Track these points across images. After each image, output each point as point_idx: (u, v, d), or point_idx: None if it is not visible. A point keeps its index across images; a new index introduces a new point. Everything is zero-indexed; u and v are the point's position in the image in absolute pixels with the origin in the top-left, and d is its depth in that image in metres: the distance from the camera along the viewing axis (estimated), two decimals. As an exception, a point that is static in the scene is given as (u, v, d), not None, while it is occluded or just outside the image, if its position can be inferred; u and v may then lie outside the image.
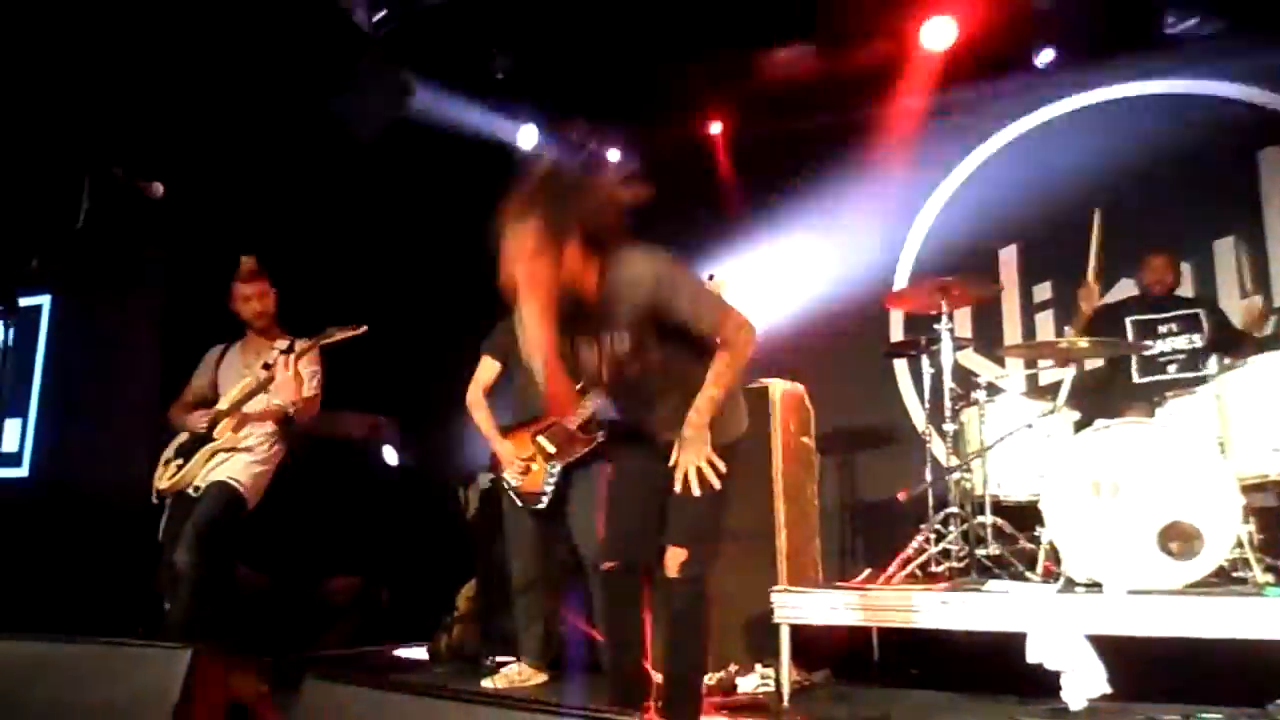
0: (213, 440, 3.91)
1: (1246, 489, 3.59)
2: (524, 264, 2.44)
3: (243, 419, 3.93)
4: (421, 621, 5.31)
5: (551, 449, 4.07)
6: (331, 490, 5.87)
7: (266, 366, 3.91)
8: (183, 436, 4.02)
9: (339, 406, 6.03)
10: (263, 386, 3.88)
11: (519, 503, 4.19)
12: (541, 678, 4.19)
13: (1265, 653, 3.16)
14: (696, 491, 2.55)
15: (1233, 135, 5.33)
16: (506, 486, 4.22)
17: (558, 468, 4.06)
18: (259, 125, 5.65)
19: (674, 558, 2.65)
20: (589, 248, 2.49)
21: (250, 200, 5.72)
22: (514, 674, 4.17)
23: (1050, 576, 3.73)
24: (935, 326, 4.46)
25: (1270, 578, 3.46)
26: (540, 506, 4.10)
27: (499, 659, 4.41)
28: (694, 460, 2.57)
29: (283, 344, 3.94)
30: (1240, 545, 3.49)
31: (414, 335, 6.05)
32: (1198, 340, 4.56)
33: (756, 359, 5.37)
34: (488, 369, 4.29)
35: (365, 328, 3.78)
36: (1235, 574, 3.57)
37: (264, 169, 5.83)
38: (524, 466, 4.13)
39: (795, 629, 3.81)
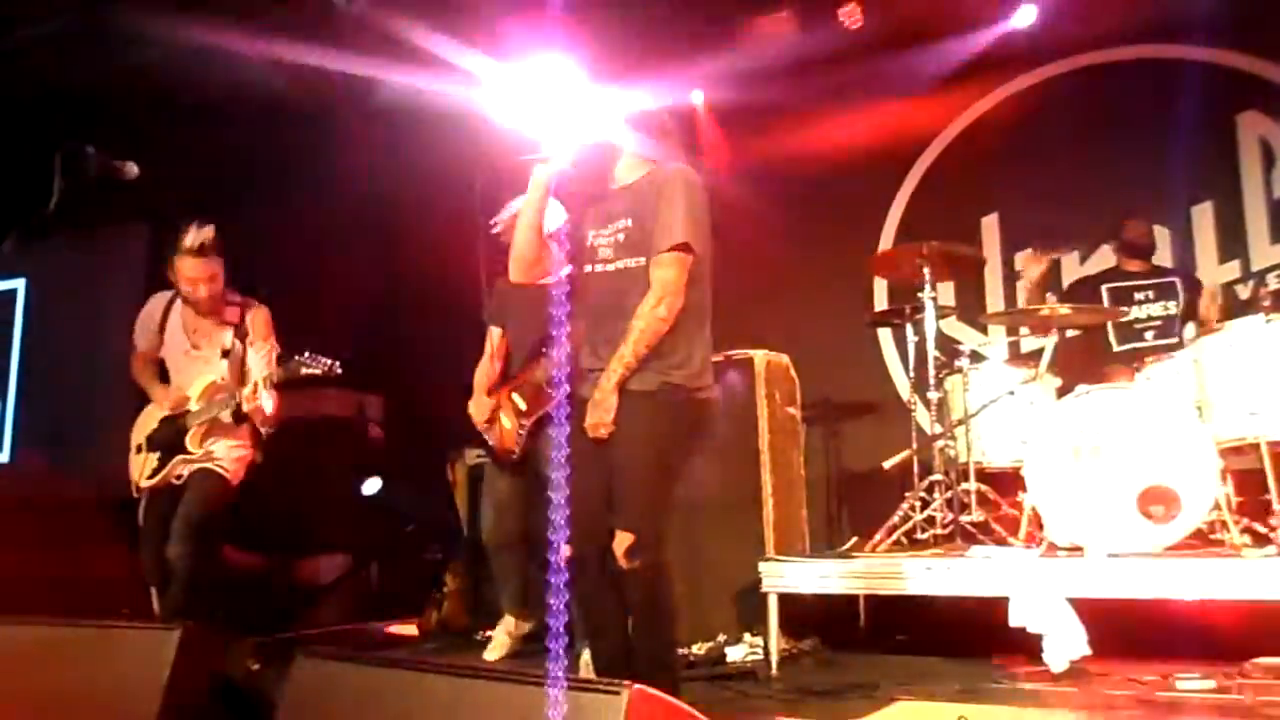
0: (188, 453, 3.83)
1: (1224, 452, 3.63)
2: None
3: (210, 428, 3.86)
4: (411, 598, 5.33)
5: (522, 405, 4.01)
6: (317, 469, 5.86)
7: (225, 354, 3.87)
8: (150, 424, 3.96)
9: (323, 385, 6.03)
10: (222, 397, 3.82)
11: (493, 460, 4.20)
12: (527, 625, 4.21)
13: (1241, 613, 3.21)
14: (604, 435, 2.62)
15: (1211, 100, 5.33)
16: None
17: (527, 423, 3.99)
18: (237, 96, 5.59)
19: (620, 543, 2.58)
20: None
21: (231, 177, 5.67)
22: (504, 633, 4.21)
23: (1032, 541, 3.77)
24: (919, 295, 4.48)
25: (1247, 539, 3.51)
26: (514, 460, 4.05)
27: (490, 633, 4.42)
28: (598, 429, 2.61)
29: (233, 315, 3.90)
30: (1218, 508, 3.53)
31: (400, 309, 6.03)
32: (1172, 308, 4.60)
33: (742, 329, 5.40)
34: (493, 337, 4.24)
35: (339, 370, 3.69)
36: (1213, 536, 3.62)
37: (244, 143, 5.77)
38: (486, 423, 4.08)
39: (783, 598, 3.85)
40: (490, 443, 4.13)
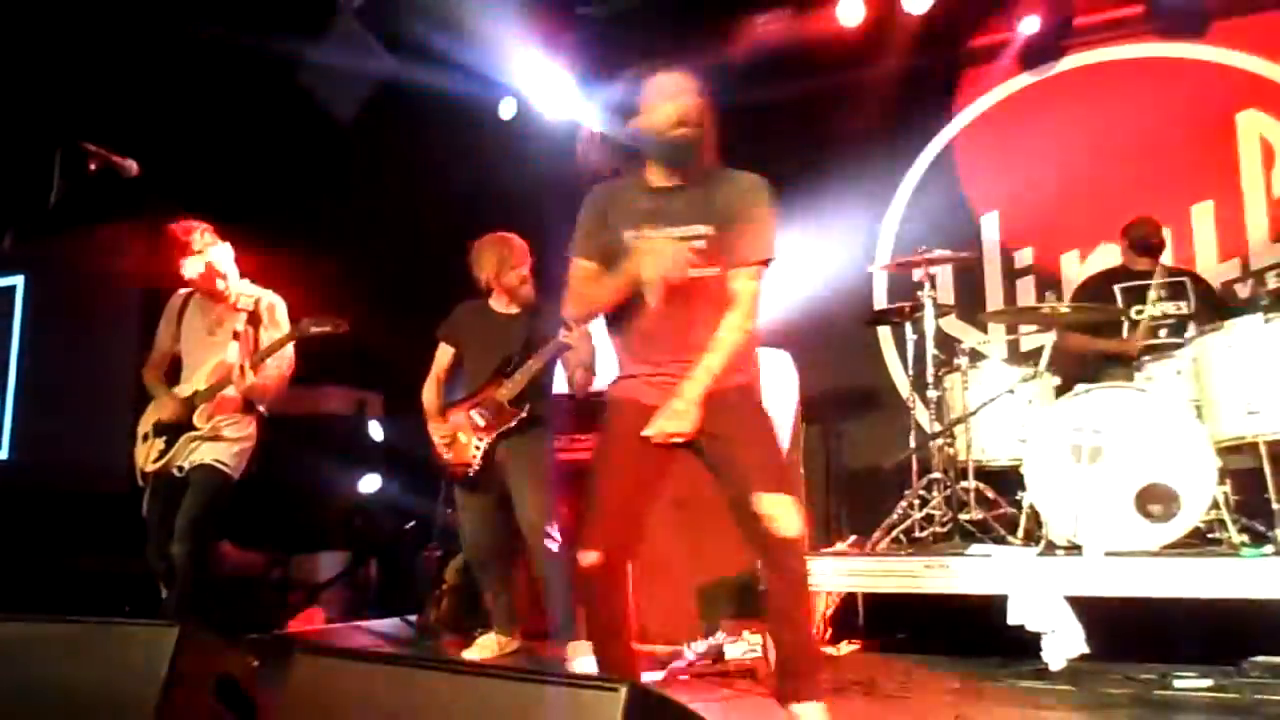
0: (194, 429, 3.90)
1: (1223, 451, 3.64)
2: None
3: (217, 405, 3.93)
4: (411, 595, 5.34)
5: (480, 421, 4.12)
6: (317, 466, 5.86)
7: (236, 336, 3.95)
8: (160, 412, 4.01)
9: (323, 382, 6.03)
10: (229, 376, 3.88)
11: (451, 478, 4.29)
12: (513, 645, 4.30)
13: (1239, 612, 3.21)
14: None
15: (1210, 99, 5.34)
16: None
17: (485, 440, 4.10)
18: (237, 97, 5.60)
19: (785, 510, 2.57)
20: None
21: (230, 175, 5.68)
22: (487, 644, 4.29)
23: (1031, 540, 3.77)
24: (918, 293, 4.48)
25: (1245, 538, 3.51)
26: (471, 476, 4.14)
27: (482, 631, 4.45)
28: (676, 436, 2.56)
29: (247, 301, 4.02)
30: (1216, 506, 3.53)
31: (400, 310, 6.02)
32: (1184, 307, 4.58)
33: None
34: (443, 355, 4.32)
35: (346, 326, 3.81)
36: (1211, 535, 3.62)
37: (245, 143, 5.77)
38: (447, 441, 4.17)
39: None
40: (447, 458, 4.19)
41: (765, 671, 3.70)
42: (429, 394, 4.29)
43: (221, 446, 3.91)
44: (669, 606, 4.26)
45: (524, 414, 4.08)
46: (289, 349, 4.01)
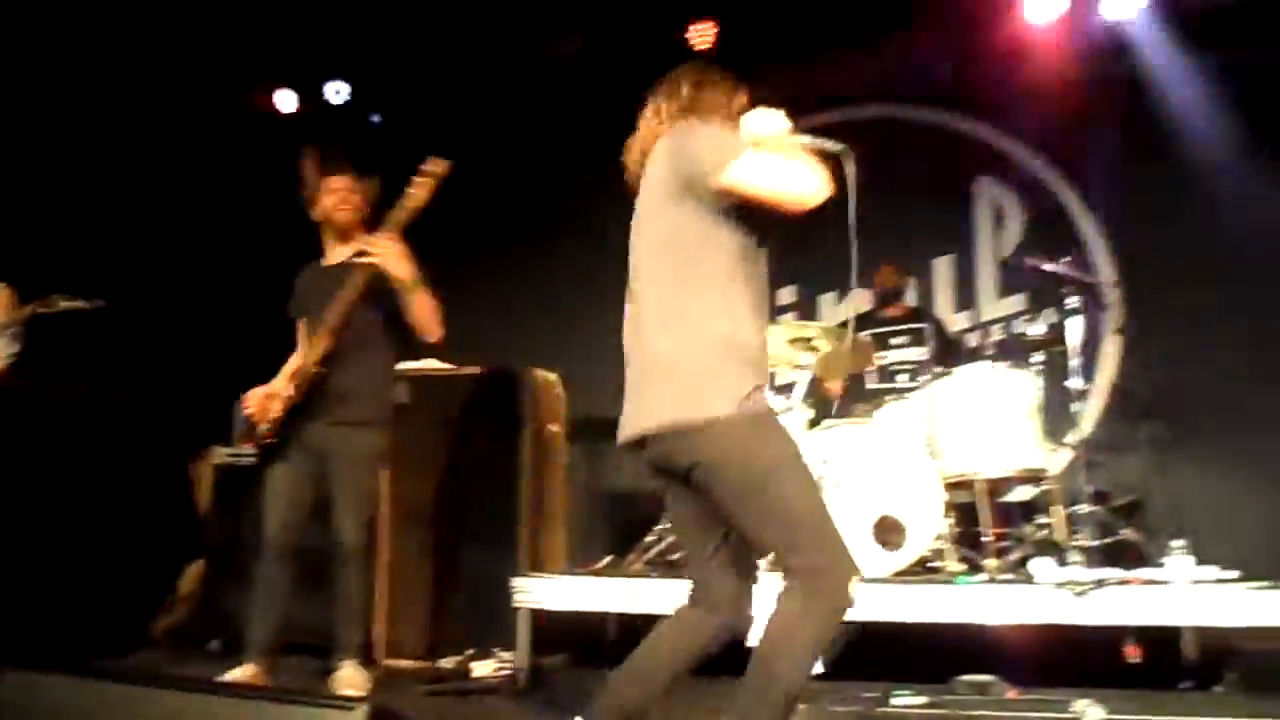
0: None
1: (950, 486, 3.98)
2: None
3: None
4: (139, 604, 4.96)
5: (292, 391, 3.54)
6: (46, 464, 5.37)
7: None
8: None
9: (61, 373, 5.54)
10: None
11: (265, 458, 3.61)
12: (266, 679, 3.40)
13: (953, 634, 3.51)
14: None
15: (955, 162, 5.86)
16: None
17: (289, 397, 3.51)
18: None
19: None
20: None
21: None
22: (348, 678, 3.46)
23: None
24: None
25: (963, 567, 3.84)
26: (272, 443, 3.53)
27: (221, 643, 4.15)
28: None
29: None
30: (940, 537, 3.85)
31: (151, 302, 5.64)
32: (922, 353, 4.98)
33: (510, 344, 5.38)
34: (302, 330, 3.72)
35: (102, 303, 3.53)
36: (932, 564, 3.94)
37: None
38: (258, 410, 3.56)
39: (535, 614, 3.86)
40: (248, 411, 3.59)
41: (513, 689, 3.70)
42: (288, 369, 3.65)
43: None
44: (418, 623, 4.19)
45: (325, 371, 3.46)
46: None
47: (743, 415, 2.23)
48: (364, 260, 3.43)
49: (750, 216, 2.37)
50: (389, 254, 3.38)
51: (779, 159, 2.29)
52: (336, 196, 3.61)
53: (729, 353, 2.29)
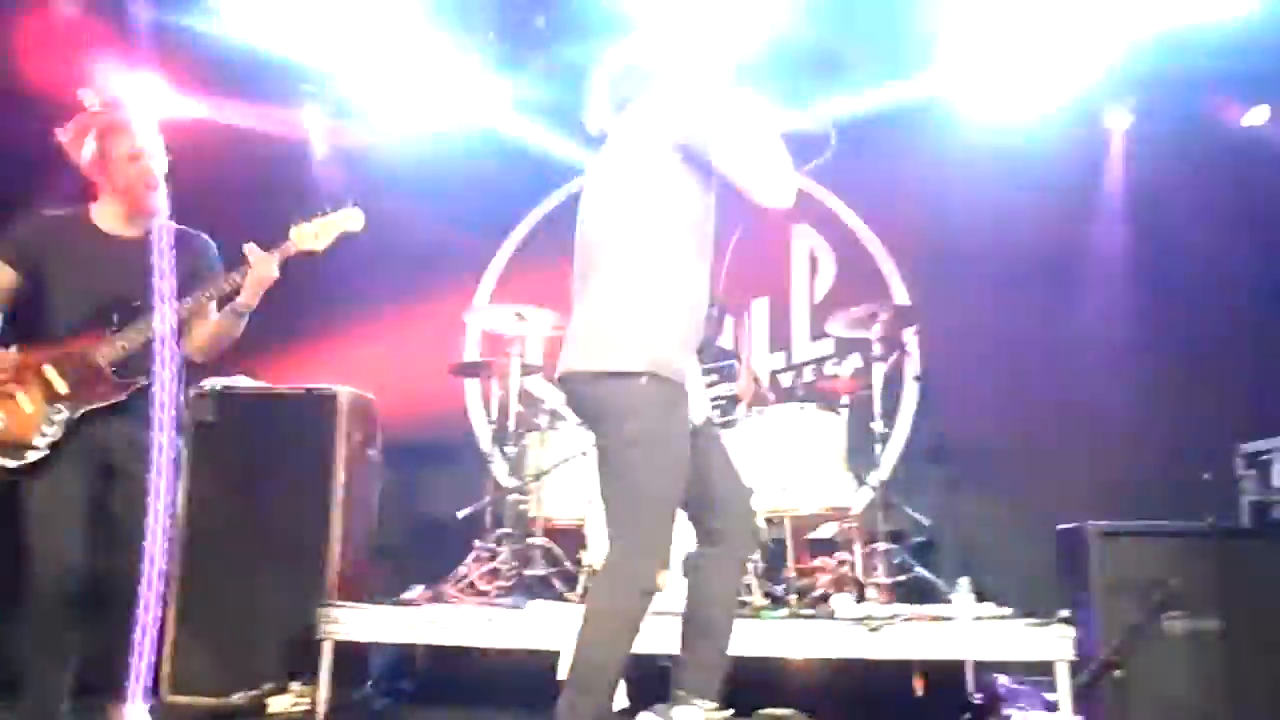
0: None
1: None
2: None
3: None
4: None
5: (61, 387, 2.96)
6: None
7: None
8: None
9: None
10: None
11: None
12: None
13: (756, 668, 3.60)
14: None
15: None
16: None
17: (64, 414, 2.94)
18: None
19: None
20: None
21: None
22: None
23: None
24: (507, 350, 4.62)
25: (768, 602, 3.97)
26: (23, 462, 2.90)
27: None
28: None
29: None
30: (747, 573, 3.96)
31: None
32: (733, 389, 5.12)
33: (324, 363, 5.19)
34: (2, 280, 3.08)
35: None
36: (741, 599, 4.03)
37: None
38: None
39: (339, 645, 3.74)
40: None
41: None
42: None
43: None
44: (211, 655, 3.97)
45: (138, 385, 2.98)
46: None
47: (638, 380, 2.29)
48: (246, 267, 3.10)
49: (711, 190, 2.46)
50: (264, 281, 3.14)
51: (773, 147, 2.36)
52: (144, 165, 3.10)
53: (656, 314, 2.34)
